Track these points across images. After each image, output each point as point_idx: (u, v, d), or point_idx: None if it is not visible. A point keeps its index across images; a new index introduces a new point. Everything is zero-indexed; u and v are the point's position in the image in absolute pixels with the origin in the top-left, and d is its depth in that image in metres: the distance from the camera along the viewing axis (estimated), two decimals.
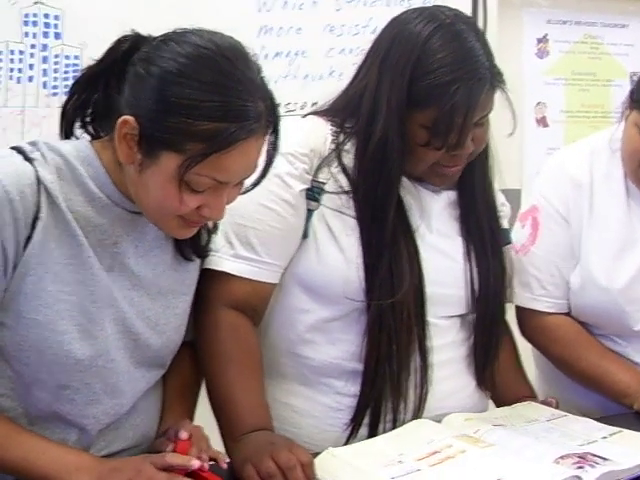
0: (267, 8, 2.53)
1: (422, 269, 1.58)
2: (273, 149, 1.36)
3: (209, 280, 1.53)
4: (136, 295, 1.39)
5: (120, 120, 1.26)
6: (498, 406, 1.77)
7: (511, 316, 1.84)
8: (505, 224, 1.78)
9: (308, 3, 2.57)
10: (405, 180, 1.59)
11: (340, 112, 1.61)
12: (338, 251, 1.55)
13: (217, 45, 1.27)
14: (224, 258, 1.54)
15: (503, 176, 1.77)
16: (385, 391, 1.56)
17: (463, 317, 1.68)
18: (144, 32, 1.34)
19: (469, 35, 1.52)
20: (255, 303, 1.57)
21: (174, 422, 1.45)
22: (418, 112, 1.51)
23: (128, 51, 1.32)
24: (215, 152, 1.24)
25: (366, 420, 1.57)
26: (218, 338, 1.53)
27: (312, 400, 1.60)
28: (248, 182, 1.37)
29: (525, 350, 1.92)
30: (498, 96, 1.58)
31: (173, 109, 1.23)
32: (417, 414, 1.60)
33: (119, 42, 1.34)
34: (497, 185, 1.75)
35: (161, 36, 1.31)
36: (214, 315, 1.54)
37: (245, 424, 1.47)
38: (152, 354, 1.43)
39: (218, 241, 1.53)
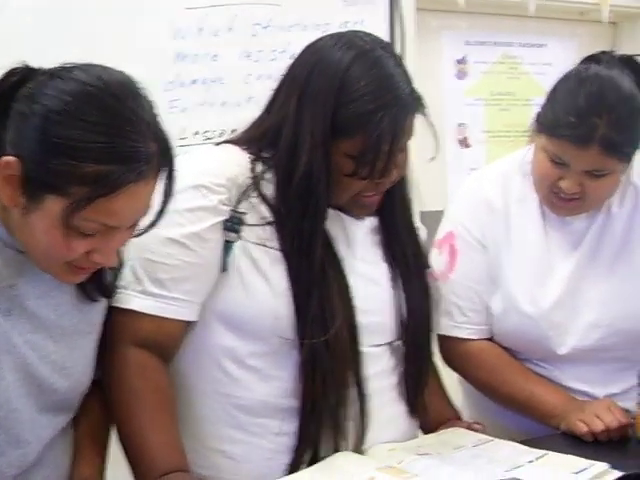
0: (182, 35, 2.49)
1: (353, 300, 1.55)
2: (169, 191, 1.30)
3: (116, 317, 1.48)
4: (39, 338, 1.32)
5: (1, 161, 1.20)
6: (424, 430, 1.74)
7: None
8: None
9: (224, 29, 2.54)
10: (328, 209, 1.56)
11: (256, 142, 1.57)
12: (266, 285, 1.50)
13: (105, 82, 1.22)
14: (132, 295, 1.48)
15: (426, 198, 1.75)
16: (324, 427, 1.52)
17: (391, 344, 1.65)
18: (56, 62, 1.27)
19: (389, 61, 1.51)
20: (163, 340, 1.51)
21: (89, 470, 1.39)
22: (343, 141, 1.48)
23: (16, 85, 1.25)
24: (101, 196, 1.18)
25: (306, 458, 1.52)
26: (126, 378, 1.47)
27: (247, 444, 1.54)
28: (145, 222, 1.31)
29: (449, 375, 1.90)
30: (419, 119, 1.56)
31: (56, 150, 1.17)
32: (358, 447, 1.56)
33: (8, 75, 1.27)
34: (416, 208, 1.73)
35: (48, 70, 1.25)
36: (121, 354, 1.48)
37: (159, 466, 1.41)
38: (59, 398, 1.36)
39: (126, 277, 1.48)
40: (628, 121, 1.65)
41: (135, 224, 1.29)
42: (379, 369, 1.61)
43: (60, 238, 1.21)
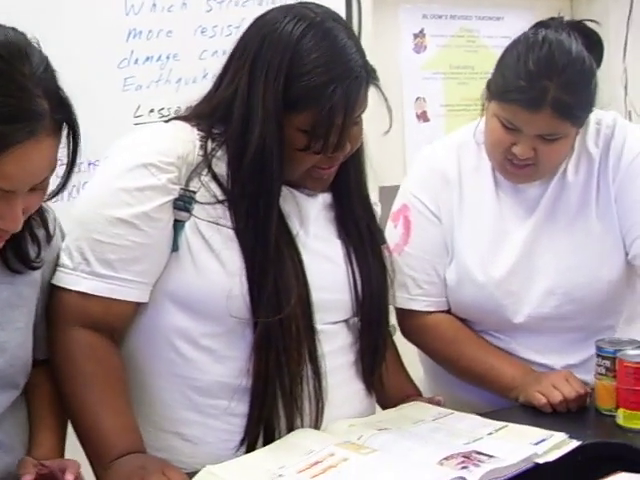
0: (135, 11, 2.45)
1: (307, 278, 1.53)
2: (74, 147, 1.25)
3: (63, 298, 1.45)
4: None
5: None
6: (384, 408, 1.74)
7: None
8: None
9: (178, 5, 2.50)
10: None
11: (207, 118, 1.54)
12: (218, 265, 1.48)
13: None
14: (80, 276, 1.45)
15: (385, 173, 1.74)
16: (277, 407, 1.51)
17: (347, 321, 1.64)
18: None
19: (340, 33, 1.49)
20: (113, 321, 1.49)
21: (49, 442, 1.38)
22: (295, 115, 1.46)
23: None
24: None
25: (261, 439, 1.51)
26: (76, 360, 1.45)
27: (203, 426, 1.52)
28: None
29: (410, 351, 1.90)
30: (375, 93, 1.55)
31: None
32: (315, 427, 1.55)
33: None
34: (375, 183, 1.73)
35: None
36: (69, 335, 1.46)
37: (114, 449, 1.40)
38: None
39: (74, 258, 1.45)
40: (578, 83, 1.66)
41: (40, 188, 1.24)
42: (335, 347, 1.60)
43: None
